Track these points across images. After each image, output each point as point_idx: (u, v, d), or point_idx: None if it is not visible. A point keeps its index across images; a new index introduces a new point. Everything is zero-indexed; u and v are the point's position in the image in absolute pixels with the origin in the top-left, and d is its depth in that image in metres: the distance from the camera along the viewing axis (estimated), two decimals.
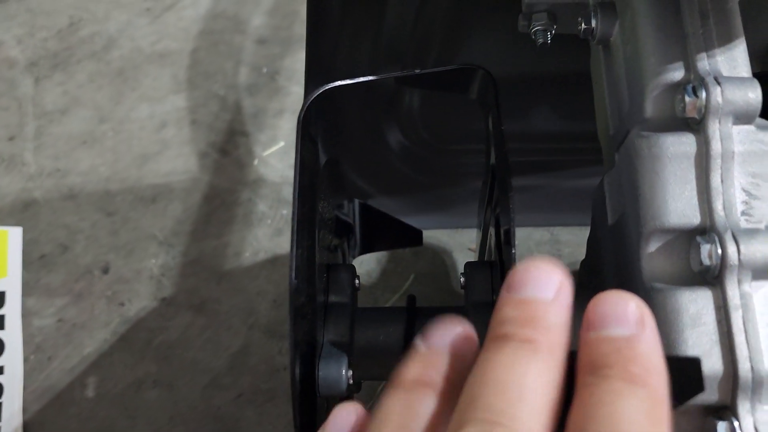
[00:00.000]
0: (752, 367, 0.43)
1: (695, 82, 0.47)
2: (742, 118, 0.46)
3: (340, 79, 0.57)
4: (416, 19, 0.74)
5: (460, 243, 0.97)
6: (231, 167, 1.08)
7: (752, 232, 0.44)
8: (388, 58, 0.77)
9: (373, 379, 0.71)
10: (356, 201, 0.77)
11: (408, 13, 0.73)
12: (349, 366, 0.57)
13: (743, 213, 0.46)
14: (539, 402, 0.28)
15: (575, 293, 0.32)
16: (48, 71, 1.20)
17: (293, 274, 0.49)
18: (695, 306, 0.45)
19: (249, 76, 1.19)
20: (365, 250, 0.78)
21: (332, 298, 0.61)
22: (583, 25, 0.56)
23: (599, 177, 0.57)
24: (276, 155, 1.09)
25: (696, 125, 0.47)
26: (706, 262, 0.44)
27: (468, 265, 0.64)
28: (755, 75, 0.48)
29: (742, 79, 0.46)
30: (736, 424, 0.42)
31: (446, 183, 0.94)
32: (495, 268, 0.61)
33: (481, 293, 0.60)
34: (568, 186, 0.96)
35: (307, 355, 0.54)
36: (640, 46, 0.51)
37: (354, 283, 0.63)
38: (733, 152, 0.46)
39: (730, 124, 0.46)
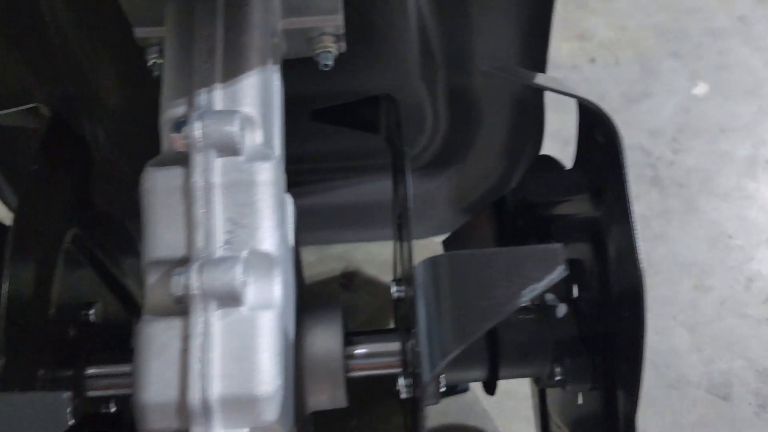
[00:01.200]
0: (203, 395, 0.44)
1: (183, 118, 0.48)
2: (226, 150, 0.48)
3: None
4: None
5: None
6: None
7: (219, 262, 0.46)
8: None
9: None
10: None
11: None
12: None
13: (227, 242, 0.48)
14: None
15: None
16: None
17: None
18: (165, 336, 0.46)
19: None
20: None
21: None
22: None
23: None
24: None
25: (185, 158, 0.48)
26: (177, 292, 0.46)
27: None
28: None
29: (222, 113, 0.48)
30: None
31: None
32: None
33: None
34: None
35: None
36: (161, 82, 0.52)
37: None
38: (217, 183, 0.48)
39: (213, 157, 0.48)
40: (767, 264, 0.92)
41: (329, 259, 0.94)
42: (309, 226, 0.93)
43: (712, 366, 0.85)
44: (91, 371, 0.58)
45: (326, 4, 0.64)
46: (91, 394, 0.58)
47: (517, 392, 0.82)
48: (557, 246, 0.40)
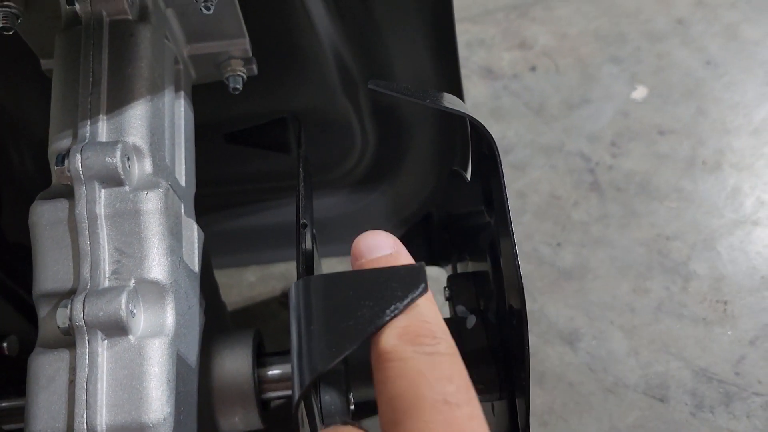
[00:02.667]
0: (89, 425, 0.44)
1: (66, 150, 0.49)
2: (109, 181, 0.48)
3: None
4: None
5: None
6: None
7: (103, 292, 0.46)
8: None
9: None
10: None
11: None
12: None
13: (114, 272, 0.48)
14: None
15: None
16: None
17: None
18: (52, 368, 0.46)
19: None
20: None
21: None
22: None
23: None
24: None
25: (71, 191, 0.49)
26: (62, 324, 0.46)
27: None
28: None
29: (103, 145, 0.48)
30: None
31: None
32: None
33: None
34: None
35: None
36: (51, 112, 0.53)
37: None
38: (102, 215, 0.48)
39: (97, 189, 0.48)
40: (704, 264, 0.93)
41: (270, 278, 0.95)
42: (233, 248, 0.93)
43: (649, 368, 0.85)
44: (3, 404, 0.58)
45: (230, 29, 0.65)
46: (6, 427, 0.58)
47: None
48: (419, 264, 0.41)
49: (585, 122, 1.09)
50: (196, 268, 0.57)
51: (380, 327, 0.39)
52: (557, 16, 1.24)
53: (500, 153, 1.04)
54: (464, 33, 1.22)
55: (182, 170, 0.60)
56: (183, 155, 0.60)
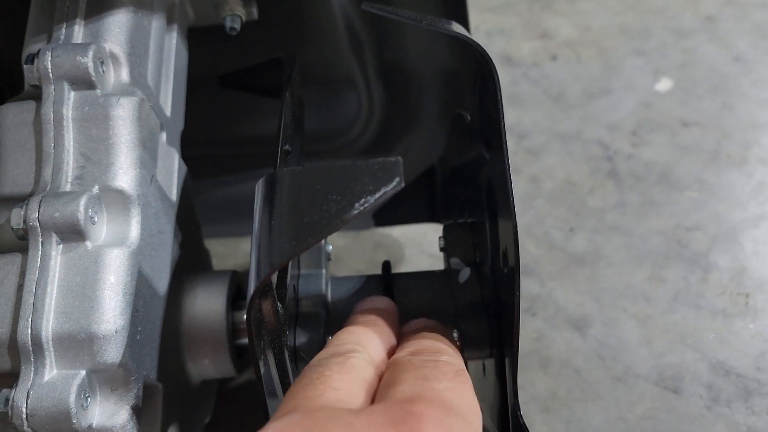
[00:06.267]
0: (33, 331, 0.41)
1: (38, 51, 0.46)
2: (80, 83, 0.46)
3: None
4: None
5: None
6: None
7: (62, 195, 0.43)
8: None
9: None
10: None
11: None
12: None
13: (77, 177, 0.45)
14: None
15: None
16: None
17: None
18: (2, 272, 0.43)
19: None
20: None
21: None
22: None
23: None
24: None
25: (40, 92, 0.46)
26: (16, 225, 0.43)
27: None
28: None
29: (76, 45, 0.46)
30: (11, 392, 0.40)
31: None
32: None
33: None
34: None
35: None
36: (29, 17, 0.50)
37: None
38: (69, 117, 0.45)
39: (66, 90, 0.46)
40: (726, 256, 0.88)
41: None
42: (231, 216, 0.90)
43: (662, 359, 0.80)
44: None
45: None
46: None
47: None
48: (396, 158, 0.37)
49: (605, 112, 1.05)
50: (173, 196, 0.54)
51: (346, 221, 0.36)
52: (581, 9, 1.21)
53: (516, 138, 1.00)
54: (484, 23, 1.19)
55: (168, 100, 0.57)
56: (171, 87, 0.58)
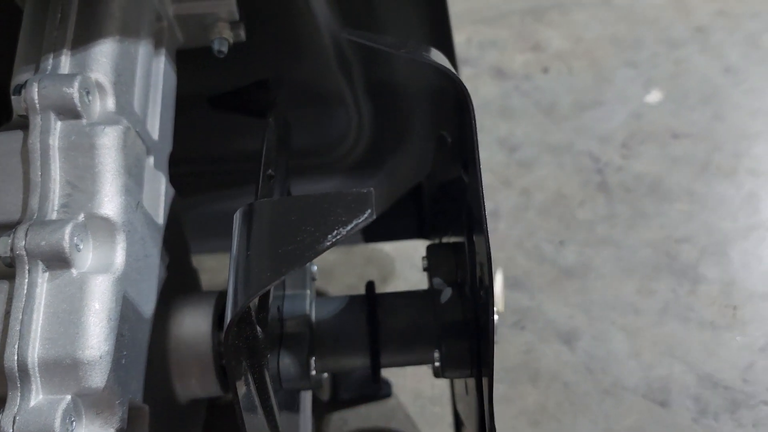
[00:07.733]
0: (20, 357, 0.42)
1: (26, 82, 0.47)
2: (66, 113, 0.47)
3: None
4: None
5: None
6: None
7: (48, 223, 0.44)
8: None
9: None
10: None
11: None
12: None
13: (63, 206, 0.46)
14: None
15: None
16: None
17: None
18: None
19: None
20: None
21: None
22: None
23: None
24: None
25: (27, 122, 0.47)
26: (3, 253, 0.44)
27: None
28: None
29: (62, 76, 0.47)
30: None
31: None
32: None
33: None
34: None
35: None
36: (18, 46, 0.52)
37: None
38: (55, 146, 0.46)
39: (52, 120, 0.47)
40: (714, 268, 0.89)
41: None
42: (223, 232, 0.91)
43: (650, 371, 0.80)
44: None
45: None
46: None
47: (442, 398, 0.79)
48: (368, 190, 0.38)
49: (596, 123, 1.06)
50: (160, 220, 0.55)
51: (320, 252, 0.37)
52: (573, 20, 1.22)
53: (507, 150, 1.01)
54: (477, 34, 1.21)
55: (156, 124, 0.58)
56: (158, 110, 0.59)
